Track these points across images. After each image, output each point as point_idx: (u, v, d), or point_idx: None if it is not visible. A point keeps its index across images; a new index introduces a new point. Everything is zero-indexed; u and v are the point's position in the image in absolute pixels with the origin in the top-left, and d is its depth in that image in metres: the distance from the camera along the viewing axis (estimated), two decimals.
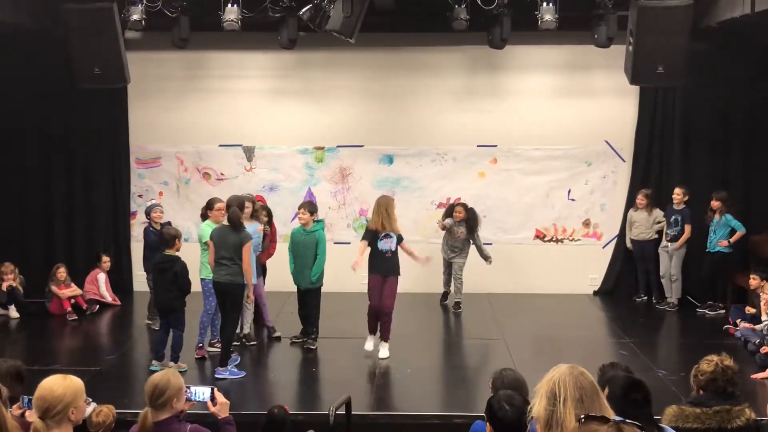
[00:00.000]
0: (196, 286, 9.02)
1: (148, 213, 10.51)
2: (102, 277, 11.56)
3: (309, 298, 9.56)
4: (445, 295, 11.75)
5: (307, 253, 9.36)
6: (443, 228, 11.32)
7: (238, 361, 8.81)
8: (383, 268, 9.17)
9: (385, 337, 9.24)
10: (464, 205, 11.40)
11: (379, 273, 9.19)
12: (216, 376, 8.43)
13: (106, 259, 11.70)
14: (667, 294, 11.60)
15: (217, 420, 4.89)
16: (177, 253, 8.63)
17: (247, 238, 8.53)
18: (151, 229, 10.35)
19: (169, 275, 8.50)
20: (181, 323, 8.71)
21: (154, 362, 8.65)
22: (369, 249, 9.28)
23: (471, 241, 11.40)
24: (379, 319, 9.23)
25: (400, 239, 9.27)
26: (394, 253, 9.22)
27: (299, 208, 9.65)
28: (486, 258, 11.44)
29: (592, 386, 3.09)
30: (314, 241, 9.37)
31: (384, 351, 9.16)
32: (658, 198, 11.78)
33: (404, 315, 10.76)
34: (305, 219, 9.39)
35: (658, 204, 11.70)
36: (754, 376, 8.35)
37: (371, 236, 9.19)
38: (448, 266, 11.58)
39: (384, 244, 9.16)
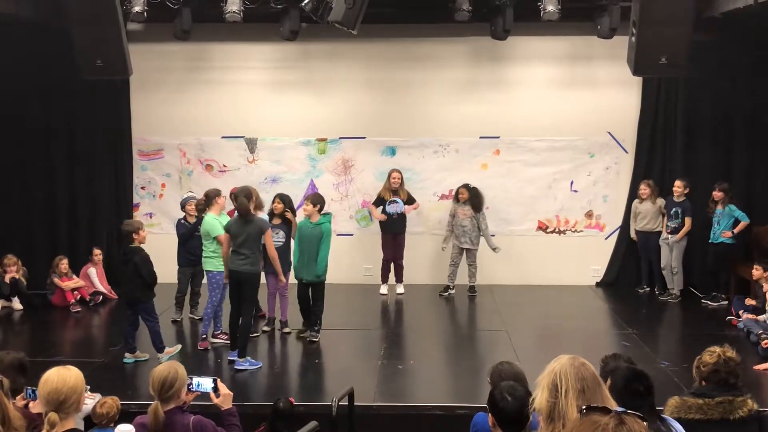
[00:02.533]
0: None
1: (183, 205, 10.46)
2: (93, 271, 11.52)
3: (314, 292, 9.54)
4: (446, 288, 11.74)
5: (312, 246, 9.34)
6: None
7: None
8: (392, 227, 11.57)
9: (399, 280, 11.77)
10: (467, 186, 11.65)
11: (389, 232, 11.61)
12: (236, 367, 8.48)
13: (97, 252, 11.65)
14: (669, 285, 11.60)
15: (220, 411, 4.90)
16: (140, 245, 8.65)
17: (266, 226, 8.79)
18: (183, 221, 10.35)
19: (130, 266, 8.54)
20: (151, 314, 8.72)
21: (127, 355, 8.69)
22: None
23: (478, 226, 11.54)
24: (392, 270, 11.72)
25: (410, 201, 11.67)
26: (401, 215, 11.52)
27: (305, 200, 9.72)
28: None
29: (594, 377, 3.09)
30: (319, 234, 9.34)
31: (400, 288, 11.74)
32: (661, 190, 11.76)
33: (408, 306, 10.81)
34: (309, 211, 9.37)
35: (661, 195, 11.69)
36: (756, 367, 8.35)
37: (380, 202, 11.62)
38: (458, 256, 11.65)
39: (391, 208, 11.51)
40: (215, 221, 9.10)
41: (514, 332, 9.83)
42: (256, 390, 8.01)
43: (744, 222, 10.94)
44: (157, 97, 12.43)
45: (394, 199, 11.55)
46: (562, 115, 12.23)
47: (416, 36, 12.15)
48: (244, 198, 8.62)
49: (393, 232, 11.62)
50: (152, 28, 11.72)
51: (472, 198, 11.52)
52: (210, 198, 9.33)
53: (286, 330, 9.85)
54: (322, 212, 9.45)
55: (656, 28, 9.42)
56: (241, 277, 8.57)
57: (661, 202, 11.61)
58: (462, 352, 9.40)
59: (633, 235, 11.97)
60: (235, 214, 8.77)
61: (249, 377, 8.36)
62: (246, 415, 5.57)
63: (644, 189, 11.68)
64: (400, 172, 11.72)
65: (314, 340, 9.48)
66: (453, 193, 11.81)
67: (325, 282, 9.54)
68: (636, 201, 11.88)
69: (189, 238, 10.10)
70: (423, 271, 12.23)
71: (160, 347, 8.71)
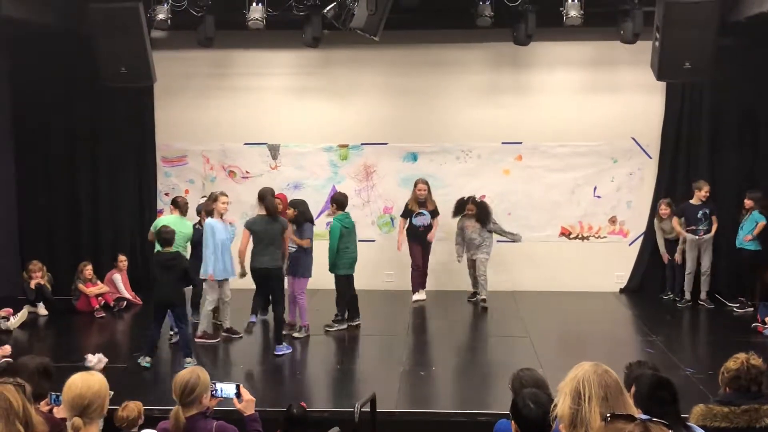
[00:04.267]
0: None
1: (199, 211, 10.58)
2: (118, 277, 11.61)
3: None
4: (474, 294, 11.69)
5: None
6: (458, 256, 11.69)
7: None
8: (418, 239, 11.58)
9: (423, 287, 11.73)
10: (474, 200, 11.56)
11: (417, 241, 11.60)
12: (276, 353, 9.12)
13: (122, 258, 11.76)
14: (686, 287, 11.43)
15: (243, 417, 4.91)
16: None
17: (287, 224, 9.54)
18: (197, 227, 10.36)
19: (175, 270, 8.72)
20: (186, 318, 9.01)
21: (147, 359, 8.74)
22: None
23: (489, 232, 11.41)
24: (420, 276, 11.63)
25: (435, 214, 11.55)
26: (426, 227, 11.50)
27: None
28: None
29: (617, 384, 3.06)
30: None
31: (421, 295, 11.66)
32: (686, 196, 11.60)
33: (431, 313, 10.79)
34: (330, 211, 10.45)
35: (687, 198, 11.54)
36: None
37: (408, 214, 11.62)
38: (473, 265, 11.53)
39: (417, 221, 11.48)
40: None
41: (536, 339, 9.78)
42: (278, 395, 8.01)
43: (761, 223, 10.78)
44: (180, 104, 12.51)
45: (421, 211, 11.51)
46: (585, 121, 12.18)
47: (438, 42, 12.15)
48: (272, 197, 9.41)
49: (420, 242, 11.61)
50: (176, 36, 11.81)
51: (479, 213, 11.36)
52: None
53: (302, 334, 9.90)
54: (341, 211, 10.15)
55: (680, 33, 9.38)
56: (271, 273, 9.30)
57: (675, 220, 11.46)
58: (484, 359, 9.37)
59: (664, 251, 11.80)
60: (256, 214, 9.41)
61: (271, 383, 8.38)
62: (269, 421, 5.58)
63: (665, 209, 11.58)
64: (426, 183, 11.55)
65: (329, 329, 10.07)
66: (456, 206, 11.69)
67: (342, 276, 10.13)
68: (656, 220, 11.78)
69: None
70: (444, 277, 12.19)
71: (188, 352, 8.76)
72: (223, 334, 9.81)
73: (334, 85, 12.45)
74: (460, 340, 10.20)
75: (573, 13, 10.06)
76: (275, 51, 12.39)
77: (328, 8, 10.04)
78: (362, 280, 10.95)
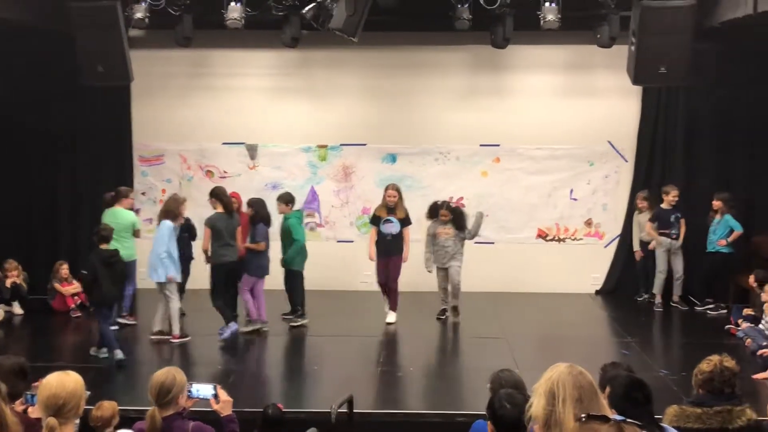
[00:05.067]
0: None
1: None
2: None
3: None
4: (443, 311, 10.90)
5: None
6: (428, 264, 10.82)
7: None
8: (386, 249, 10.46)
9: (393, 307, 10.55)
10: (448, 206, 10.72)
11: (383, 254, 10.50)
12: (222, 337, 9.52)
13: None
14: (656, 290, 11.54)
15: (220, 417, 4.91)
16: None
17: (239, 222, 9.94)
18: None
19: (117, 267, 9.02)
20: (111, 316, 9.51)
21: (108, 352, 8.92)
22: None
23: (462, 240, 10.71)
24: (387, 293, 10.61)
25: (405, 223, 10.51)
26: (395, 236, 10.41)
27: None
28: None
29: (591, 386, 3.09)
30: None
31: (391, 317, 10.53)
32: (661, 199, 11.72)
33: (407, 313, 10.80)
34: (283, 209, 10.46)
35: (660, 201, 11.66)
36: (755, 376, 8.35)
37: (376, 221, 10.61)
38: (444, 279, 10.79)
39: (385, 228, 10.46)
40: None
41: (513, 340, 9.82)
42: (255, 396, 7.99)
43: (737, 232, 10.95)
44: (158, 103, 12.45)
45: (389, 218, 10.47)
46: (562, 124, 12.26)
47: (417, 44, 12.18)
48: (229, 196, 9.94)
49: (387, 254, 10.50)
50: (154, 35, 11.73)
51: (455, 219, 10.60)
52: (120, 194, 10.47)
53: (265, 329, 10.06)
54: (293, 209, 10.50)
55: (656, 38, 9.46)
56: (234, 266, 9.77)
57: (649, 225, 11.53)
58: (461, 360, 9.41)
59: (636, 247, 11.90)
60: (214, 211, 9.79)
61: (248, 384, 8.36)
62: (245, 422, 5.57)
63: (641, 202, 11.69)
64: (397, 189, 10.62)
65: (294, 325, 10.29)
66: (450, 200, 11.61)
67: (299, 272, 10.42)
68: (636, 212, 11.88)
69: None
70: (420, 278, 12.18)
71: (106, 344, 9.01)
72: (152, 337, 9.74)
73: (313, 86, 12.45)
74: (437, 341, 10.23)
75: (550, 16, 10.12)
76: (254, 51, 12.37)
77: (306, 9, 10.03)
78: (340, 281, 10.96)
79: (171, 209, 9.74)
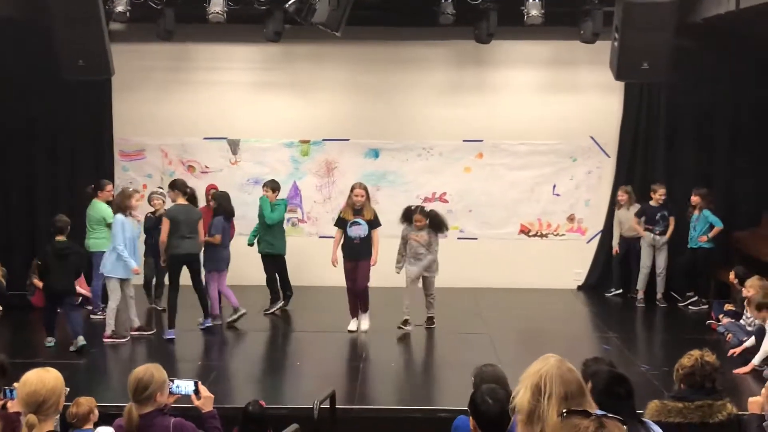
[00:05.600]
0: None
1: (150, 199, 10.86)
2: None
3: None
4: (405, 321, 10.10)
5: None
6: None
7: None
8: (354, 253, 9.85)
9: (364, 309, 9.95)
10: (422, 210, 10.04)
11: (351, 258, 9.87)
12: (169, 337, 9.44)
13: None
14: (640, 285, 11.60)
15: (201, 414, 4.87)
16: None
17: (201, 214, 9.95)
18: (150, 215, 10.70)
19: (71, 259, 9.13)
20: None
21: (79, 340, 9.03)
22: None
23: (434, 247, 9.98)
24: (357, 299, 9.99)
25: (374, 225, 9.85)
26: (363, 239, 9.78)
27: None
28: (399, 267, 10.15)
29: (579, 384, 3.07)
30: None
31: (365, 323, 9.92)
32: (644, 194, 11.77)
33: (389, 308, 10.78)
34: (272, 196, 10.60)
35: (644, 199, 11.71)
36: (736, 371, 8.40)
37: (342, 224, 9.94)
38: (413, 284, 10.07)
39: (352, 231, 9.80)
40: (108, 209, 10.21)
41: (496, 335, 9.85)
42: (237, 392, 7.97)
43: (717, 227, 11.00)
44: (139, 98, 12.35)
45: (356, 220, 9.82)
46: (545, 119, 12.27)
47: (400, 39, 12.15)
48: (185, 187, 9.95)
49: (355, 258, 9.89)
50: (135, 28, 11.64)
51: (432, 224, 9.94)
52: (98, 186, 10.56)
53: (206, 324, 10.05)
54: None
55: (639, 34, 9.48)
56: (192, 258, 9.70)
57: (634, 209, 11.61)
58: (443, 355, 9.41)
59: (615, 244, 11.91)
60: (173, 204, 9.88)
61: (230, 380, 8.33)
62: (227, 418, 5.54)
63: (622, 195, 11.71)
64: (365, 189, 9.98)
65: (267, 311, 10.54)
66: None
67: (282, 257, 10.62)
68: (616, 208, 11.90)
69: (154, 230, 10.44)
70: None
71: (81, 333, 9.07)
72: (133, 333, 9.69)
73: (296, 81, 12.39)
74: (419, 336, 10.22)
75: (534, 12, 10.13)
76: (236, 45, 12.29)
77: (289, 3, 9.95)
78: (322, 276, 10.92)
79: (117, 203, 9.76)
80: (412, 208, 10.12)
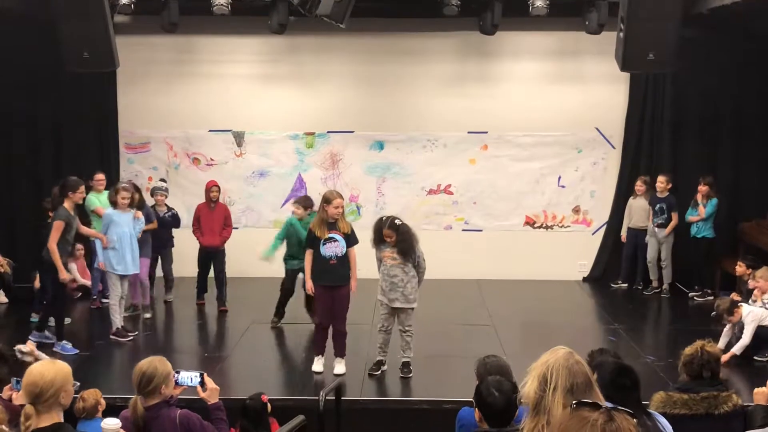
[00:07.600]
0: None
1: (153, 194, 10.88)
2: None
3: None
4: (378, 364, 8.23)
5: None
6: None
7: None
8: (329, 277, 8.03)
9: (340, 353, 8.20)
10: (392, 223, 7.94)
11: (324, 283, 8.05)
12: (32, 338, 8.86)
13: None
14: (652, 276, 11.62)
15: (207, 405, 4.89)
16: None
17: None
18: (152, 210, 10.66)
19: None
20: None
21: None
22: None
23: (412, 265, 8.03)
24: (331, 337, 8.24)
25: (352, 241, 8.08)
26: (341, 259, 8.00)
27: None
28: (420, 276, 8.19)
29: (586, 378, 3.06)
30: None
31: (340, 367, 8.13)
32: (652, 185, 11.75)
33: None
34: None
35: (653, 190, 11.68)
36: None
37: (314, 243, 8.03)
38: (389, 318, 8.16)
39: (327, 250, 8.01)
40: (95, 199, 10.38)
41: (500, 327, 9.85)
42: (244, 384, 7.97)
43: (692, 217, 11.09)
44: (144, 90, 12.35)
45: (331, 236, 7.95)
46: (550, 111, 12.24)
47: (405, 30, 12.13)
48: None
49: (331, 284, 8.02)
50: (139, 21, 11.65)
51: (400, 241, 7.89)
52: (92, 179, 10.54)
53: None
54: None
55: (644, 24, 9.43)
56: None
57: (647, 198, 11.62)
58: (448, 347, 9.41)
59: (624, 232, 11.88)
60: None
61: (237, 372, 8.34)
62: (234, 410, 5.56)
63: (640, 185, 11.66)
64: (343, 198, 8.32)
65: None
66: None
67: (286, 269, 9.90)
68: (631, 198, 11.86)
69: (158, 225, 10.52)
70: None
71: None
72: (112, 336, 9.40)
73: (300, 73, 12.38)
74: (424, 328, 10.19)
75: (539, 3, 10.12)
76: (241, 37, 12.28)
77: None
78: None
79: (110, 197, 9.72)
80: (383, 219, 8.11)
